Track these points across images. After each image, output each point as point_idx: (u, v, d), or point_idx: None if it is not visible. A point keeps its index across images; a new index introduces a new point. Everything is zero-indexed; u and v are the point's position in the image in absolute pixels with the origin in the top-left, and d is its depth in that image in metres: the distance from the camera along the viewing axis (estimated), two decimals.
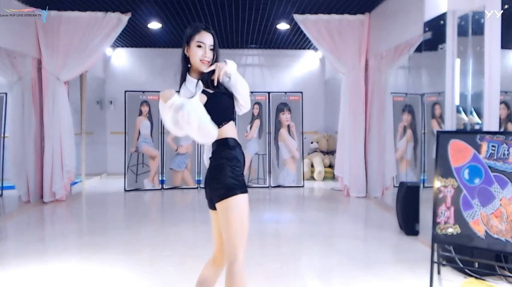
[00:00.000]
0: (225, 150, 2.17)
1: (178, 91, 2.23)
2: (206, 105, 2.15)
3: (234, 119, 2.27)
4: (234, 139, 2.22)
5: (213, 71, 2.20)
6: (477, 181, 3.09)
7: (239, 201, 2.11)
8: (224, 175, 2.12)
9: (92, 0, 6.20)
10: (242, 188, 2.14)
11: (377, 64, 6.59)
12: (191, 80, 2.24)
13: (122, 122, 7.95)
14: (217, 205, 2.14)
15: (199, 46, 2.20)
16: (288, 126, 8.16)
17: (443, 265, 3.49)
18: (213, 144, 2.20)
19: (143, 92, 7.93)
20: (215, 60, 2.24)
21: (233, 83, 2.23)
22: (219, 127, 2.17)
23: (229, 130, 2.21)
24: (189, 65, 2.26)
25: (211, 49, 2.22)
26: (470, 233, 3.08)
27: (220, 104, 2.20)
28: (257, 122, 8.13)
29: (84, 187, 7.72)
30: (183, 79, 2.27)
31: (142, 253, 4.14)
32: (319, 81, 10.03)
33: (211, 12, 6.79)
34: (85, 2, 6.29)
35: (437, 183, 3.23)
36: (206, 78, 2.21)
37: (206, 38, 2.21)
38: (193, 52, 2.21)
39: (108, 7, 6.46)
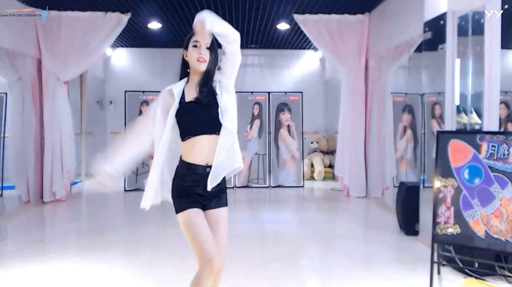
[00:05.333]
0: (177, 169, 2.22)
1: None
2: (177, 114, 2.16)
3: (210, 133, 2.15)
4: (189, 164, 2.15)
5: (204, 80, 2.18)
6: (477, 181, 3.09)
7: (180, 220, 2.16)
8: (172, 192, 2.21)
9: (92, 0, 6.20)
10: (181, 206, 2.16)
11: (377, 64, 6.58)
12: (182, 81, 2.24)
13: (122, 122, 7.95)
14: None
15: (195, 46, 2.16)
16: (288, 126, 8.16)
17: (443, 265, 3.49)
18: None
19: (143, 92, 7.93)
20: (215, 60, 2.21)
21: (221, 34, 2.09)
22: (183, 140, 2.16)
23: (192, 147, 2.14)
24: (188, 70, 2.23)
25: (207, 48, 2.17)
26: (470, 233, 3.08)
27: (190, 115, 2.15)
28: (257, 122, 8.13)
29: (84, 187, 7.71)
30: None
31: (142, 253, 4.14)
32: (319, 81, 10.03)
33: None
34: (85, 2, 6.29)
35: (437, 183, 3.23)
36: (199, 83, 2.19)
37: (202, 37, 2.16)
38: (190, 53, 2.18)
39: (108, 7, 6.46)
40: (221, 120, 2.14)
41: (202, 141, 2.14)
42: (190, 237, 2.11)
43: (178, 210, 2.16)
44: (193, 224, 2.11)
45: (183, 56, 2.24)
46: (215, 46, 2.20)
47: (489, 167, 3.05)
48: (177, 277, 3.48)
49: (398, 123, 6.02)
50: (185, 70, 2.25)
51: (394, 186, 5.96)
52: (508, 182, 2.98)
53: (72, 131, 6.78)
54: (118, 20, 6.64)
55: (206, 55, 2.17)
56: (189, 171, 2.15)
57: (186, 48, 2.21)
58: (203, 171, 2.15)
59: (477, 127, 3.89)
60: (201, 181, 2.16)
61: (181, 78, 2.26)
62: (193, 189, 2.16)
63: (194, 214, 2.14)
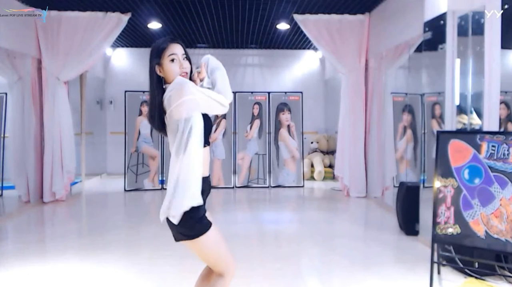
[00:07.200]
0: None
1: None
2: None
3: (209, 143, 2.09)
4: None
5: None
6: (477, 181, 3.10)
7: (204, 241, 1.98)
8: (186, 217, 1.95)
9: (92, 0, 6.20)
10: (204, 226, 1.98)
11: (377, 64, 6.59)
12: None
13: (122, 122, 7.96)
14: (185, 243, 2.03)
15: (173, 60, 2.00)
16: (288, 126, 8.16)
17: (443, 265, 3.50)
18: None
19: (143, 92, 7.93)
20: (190, 69, 2.07)
21: (215, 78, 2.06)
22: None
23: (204, 158, 2.01)
24: (164, 86, 2.02)
25: (184, 59, 2.03)
26: (470, 233, 3.08)
27: (206, 123, 2.00)
28: (257, 122, 8.13)
29: (84, 187, 7.72)
30: (159, 107, 1.98)
31: (142, 253, 4.14)
32: (319, 81, 10.03)
33: (211, 12, 6.79)
34: (85, 2, 6.29)
35: (437, 183, 3.23)
36: None
37: (177, 49, 2.02)
38: (168, 68, 2.00)
39: (108, 7, 6.46)
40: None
41: (207, 151, 2.05)
42: (218, 252, 2.04)
43: (207, 228, 1.98)
44: (220, 238, 2.04)
45: (155, 72, 2.02)
46: (189, 56, 2.08)
47: (489, 167, 3.05)
48: (178, 276, 3.48)
49: (398, 123, 6.02)
50: (161, 87, 2.01)
51: (394, 186, 5.97)
52: (508, 182, 2.98)
53: (72, 131, 6.78)
54: (118, 20, 6.64)
55: (187, 66, 2.05)
56: (205, 183, 2.02)
57: (158, 63, 2.01)
58: (208, 182, 2.09)
59: (477, 128, 3.89)
60: (207, 193, 2.09)
61: (158, 98, 2.00)
62: (204, 202, 2.04)
63: (216, 227, 2.04)
